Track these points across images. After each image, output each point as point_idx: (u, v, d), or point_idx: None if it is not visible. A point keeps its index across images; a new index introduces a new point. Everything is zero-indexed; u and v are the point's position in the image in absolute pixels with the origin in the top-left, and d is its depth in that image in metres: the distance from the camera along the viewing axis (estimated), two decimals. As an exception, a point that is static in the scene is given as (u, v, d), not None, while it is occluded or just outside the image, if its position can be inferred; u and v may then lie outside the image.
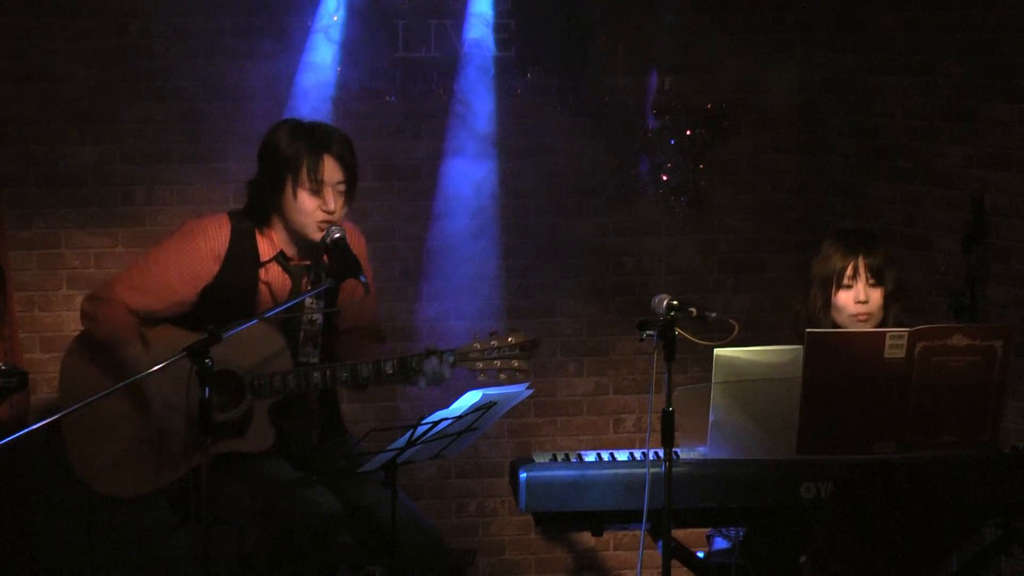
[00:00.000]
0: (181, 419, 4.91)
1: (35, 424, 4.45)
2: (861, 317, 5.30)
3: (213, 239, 5.08)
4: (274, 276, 5.13)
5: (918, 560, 3.28)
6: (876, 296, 5.33)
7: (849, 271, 5.33)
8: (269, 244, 5.12)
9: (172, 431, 4.99)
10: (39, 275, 6.36)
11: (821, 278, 5.36)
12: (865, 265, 5.32)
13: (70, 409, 4.62)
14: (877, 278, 5.33)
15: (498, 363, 5.06)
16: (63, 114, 6.32)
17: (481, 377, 5.05)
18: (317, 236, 5.06)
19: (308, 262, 5.16)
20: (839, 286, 5.33)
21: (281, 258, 5.13)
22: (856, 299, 5.31)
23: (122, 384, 4.69)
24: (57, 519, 6.26)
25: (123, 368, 4.97)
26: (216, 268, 5.07)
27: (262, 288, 5.11)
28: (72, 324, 6.16)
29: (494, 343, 5.07)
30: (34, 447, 4.76)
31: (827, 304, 5.34)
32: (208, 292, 5.08)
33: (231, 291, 5.08)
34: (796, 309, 5.49)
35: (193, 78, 6.37)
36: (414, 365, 5.02)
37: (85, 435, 5.05)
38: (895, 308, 5.33)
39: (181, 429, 4.94)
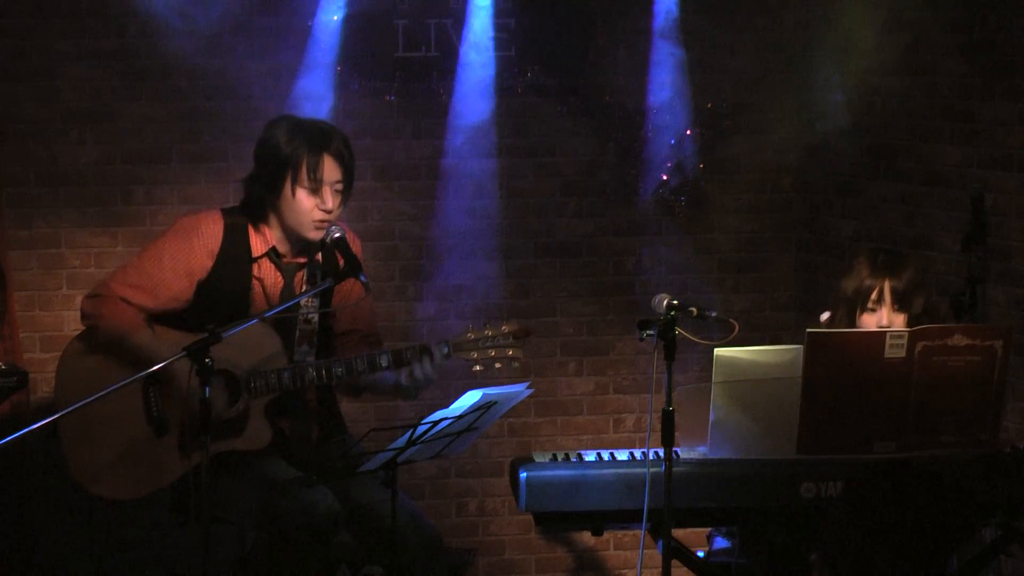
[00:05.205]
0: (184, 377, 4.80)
1: (35, 424, 4.45)
2: None
3: (206, 235, 5.08)
4: (267, 273, 5.12)
5: (925, 558, 3.28)
6: (900, 321, 5.26)
7: (874, 295, 5.27)
8: (262, 240, 5.11)
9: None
10: (39, 275, 6.36)
11: (847, 298, 5.31)
12: (890, 289, 5.26)
13: (71, 408, 4.61)
14: (902, 303, 5.27)
15: (493, 352, 5.05)
16: (63, 114, 6.32)
17: (477, 367, 5.04)
18: (313, 235, 5.06)
19: (302, 260, 5.16)
20: (863, 308, 5.29)
21: (273, 255, 5.12)
22: (879, 323, 5.25)
23: (121, 384, 4.67)
24: (57, 519, 6.26)
25: (135, 358, 4.95)
26: (209, 264, 5.07)
27: (255, 285, 5.11)
28: (72, 324, 6.16)
29: (488, 332, 5.05)
30: (34, 447, 4.75)
31: (851, 324, 5.29)
32: (202, 289, 5.08)
33: (225, 287, 5.07)
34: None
35: (193, 78, 6.37)
36: (408, 358, 5.02)
37: (81, 438, 5.04)
38: None
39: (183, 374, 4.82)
